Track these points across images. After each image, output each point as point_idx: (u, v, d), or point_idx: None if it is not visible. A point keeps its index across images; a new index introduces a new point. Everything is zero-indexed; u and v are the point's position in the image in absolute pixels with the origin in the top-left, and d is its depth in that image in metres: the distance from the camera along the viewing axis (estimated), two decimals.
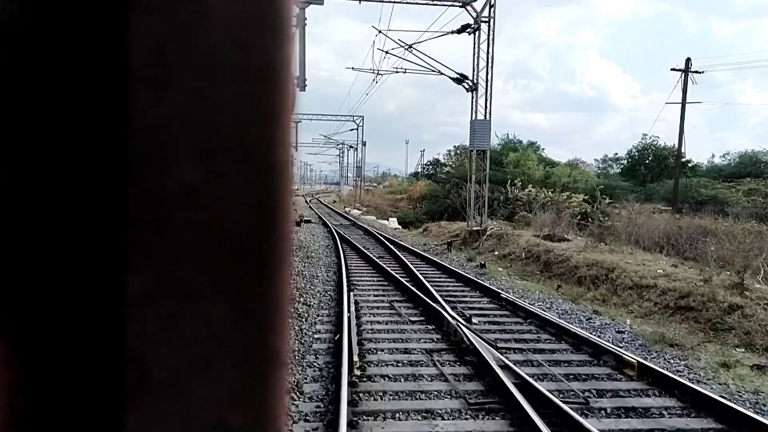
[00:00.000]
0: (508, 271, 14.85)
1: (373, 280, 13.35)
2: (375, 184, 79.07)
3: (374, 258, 16.35)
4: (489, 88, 19.00)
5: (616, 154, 70.81)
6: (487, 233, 18.55)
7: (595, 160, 72.13)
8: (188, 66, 0.34)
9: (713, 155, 60.80)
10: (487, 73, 18.98)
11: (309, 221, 29.75)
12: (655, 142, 60.36)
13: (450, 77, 19.11)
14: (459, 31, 18.91)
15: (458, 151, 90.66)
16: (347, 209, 45.95)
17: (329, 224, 28.07)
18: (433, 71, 19.33)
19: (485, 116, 19.05)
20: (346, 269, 14.27)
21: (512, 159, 49.89)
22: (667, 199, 41.61)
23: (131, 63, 0.33)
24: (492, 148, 56.88)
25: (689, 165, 59.92)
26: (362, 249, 18.44)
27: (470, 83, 18.98)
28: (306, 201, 57.43)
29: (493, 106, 18.98)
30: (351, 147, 51.11)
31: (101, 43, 0.33)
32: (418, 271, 14.25)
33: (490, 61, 18.69)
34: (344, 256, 16.68)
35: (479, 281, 12.95)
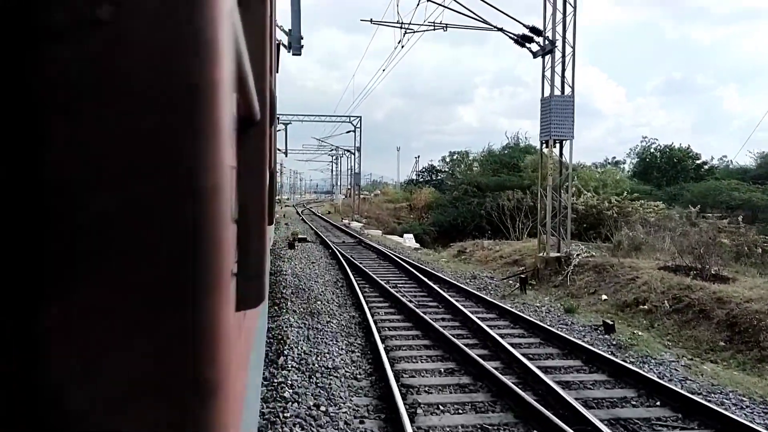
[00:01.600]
0: (658, 338, 8.54)
1: (440, 370, 7.02)
2: (366, 193, 72.93)
3: (414, 308, 10.03)
4: (568, 49, 12.73)
5: (614, 157, 65.02)
6: (574, 263, 12.26)
7: (593, 164, 66.42)
8: (103, 93, 0.33)
9: (712, 158, 55.27)
10: (564, 29, 12.75)
11: (305, 240, 23.36)
12: (667, 145, 55.01)
13: (512, 35, 12.90)
14: None
15: (454, 157, 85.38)
16: (345, 221, 39.57)
17: (330, 243, 21.71)
18: (489, 26, 13.13)
19: (562, 90, 12.79)
20: (382, 341, 7.90)
21: (530, 162, 43.81)
22: (693, 203, 36.30)
23: (43, 90, 0.32)
24: (499, 152, 50.96)
25: (706, 166, 54.56)
26: (387, 287, 12.10)
27: (544, 42, 12.72)
28: (298, 212, 50.76)
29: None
30: (348, 151, 44.63)
31: (7, 72, 0.32)
32: (501, 337, 7.97)
33: (572, 8, 12.49)
34: (367, 305, 10.32)
35: (640, 371, 6.67)
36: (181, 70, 0.34)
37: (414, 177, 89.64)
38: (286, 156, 48.30)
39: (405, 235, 25.86)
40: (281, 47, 8.72)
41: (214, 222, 0.37)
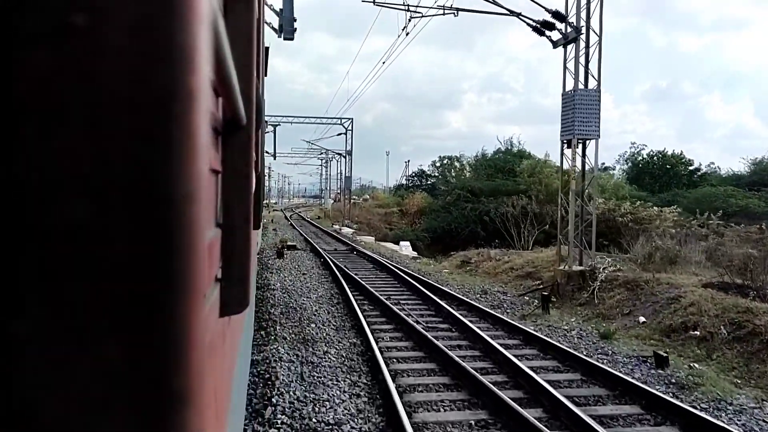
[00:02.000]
0: (722, 374, 7.10)
1: (470, 423, 5.52)
2: (355, 197, 71.51)
3: (423, 331, 8.57)
4: (594, 37, 11.30)
5: (603, 163, 64.39)
6: (600, 278, 10.80)
7: None
8: (78, 99, 0.33)
9: (700, 164, 54.62)
10: (588, 15, 11.34)
11: (294, 248, 21.78)
12: (659, 150, 54.26)
13: (530, 21, 11.47)
14: None
15: (444, 162, 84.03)
16: (336, 227, 38.03)
17: (321, 251, 20.17)
18: (504, 11, 11.68)
19: (586, 83, 11.36)
20: (393, 379, 6.38)
21: (527, 167, 42.50)
22: (689, 210, 35.89)
23: (17, 96, 0.32)
24: (492, 156, 49.64)
25: (699, 173, 53.90)
26: (389, 304, 10.61)
27: (566, 29, 11.30)
28: (286, 217, 49.09)
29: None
30: (339, 154, 42.80)
31: None
32: (534, 372, 6.50)
33: None
34: (369, 328, 8.80)
35: (724, 425, 5.22)
36: (155, 78, 0.34)
37: (404, 182, 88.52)
38: (275, 159, 46.68)
39: (401, 243, 24.24)
40: (269, 51, 7.78)
41: (187, 230, 0.36)
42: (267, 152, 41.98)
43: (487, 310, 10.47)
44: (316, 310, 10.40)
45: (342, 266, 16.31)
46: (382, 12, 15.81)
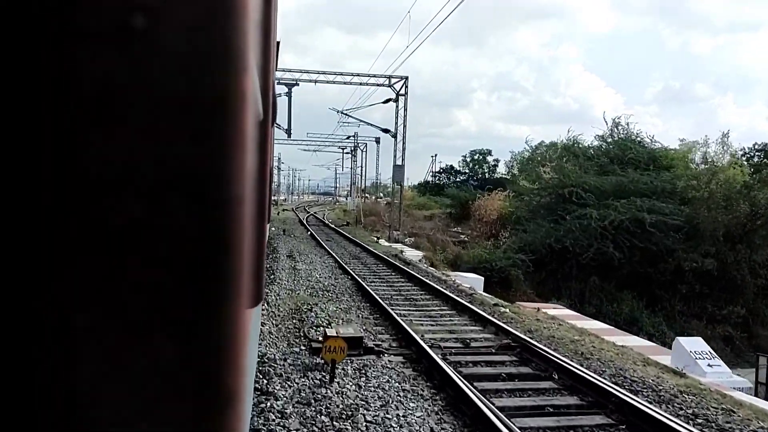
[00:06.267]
0: None
1: None
2: (367, 195, 57.08)
3: None
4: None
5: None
6: None
7: None
8: (137, 100, 0.33)
9: None
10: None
11: (361, 348, 7.05)
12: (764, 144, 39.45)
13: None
14: None
15: (476, 157, 68.97)
16: (383, 241, 23.44)
17: (454, 378, 5.53)
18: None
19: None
20: None
21: (679, 158, 27.74)
22: None
23: (79, 97, 0.32)
24: (603, 142, 32.58)
25: None
26: None
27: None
28: (301, 221, 33.81)
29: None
30: (386, 131, 27.58)
31: (42, 75, 0.31)
32: None
33: None
34: None
35: None
36: (211, 81, 0.34)
37: (430, 178, 74.81)
38: (289, 136, 32.00)
39: (683, 341, 9.02)
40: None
41: (237, 230, 0.36)
42: (278, 125, 27.58)
43: None
44: None
45: None
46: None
